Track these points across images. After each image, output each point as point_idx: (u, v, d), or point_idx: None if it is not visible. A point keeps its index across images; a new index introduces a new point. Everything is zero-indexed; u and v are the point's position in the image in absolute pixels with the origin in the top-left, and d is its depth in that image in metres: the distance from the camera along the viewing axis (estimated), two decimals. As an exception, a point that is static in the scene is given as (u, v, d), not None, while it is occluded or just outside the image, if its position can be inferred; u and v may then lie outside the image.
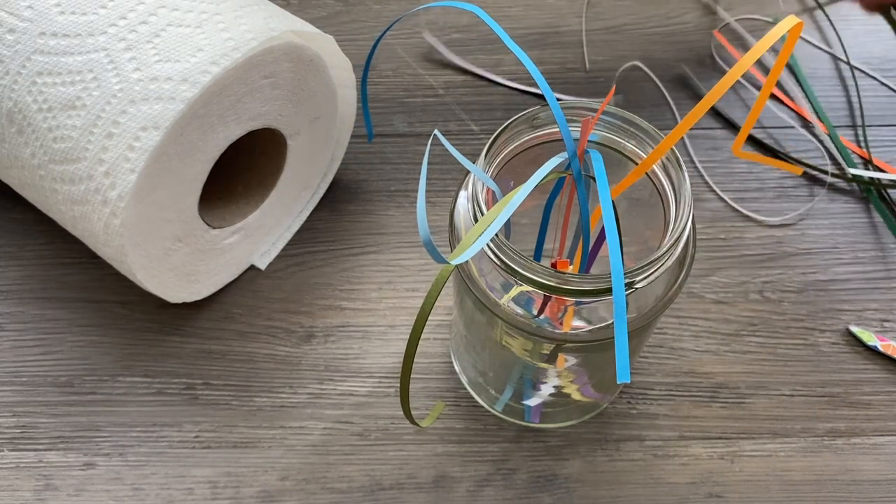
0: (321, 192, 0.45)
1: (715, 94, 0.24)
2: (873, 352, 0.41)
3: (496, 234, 0.26)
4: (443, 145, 0.30)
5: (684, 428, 0.39)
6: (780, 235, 0.44)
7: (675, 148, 0.27)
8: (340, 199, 0.46)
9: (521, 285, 0.27)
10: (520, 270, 0.27)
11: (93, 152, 0.33)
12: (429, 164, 0.31)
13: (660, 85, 0.49)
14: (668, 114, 0.48)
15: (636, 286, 0.27)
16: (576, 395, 0.37)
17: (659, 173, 0.29)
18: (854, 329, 0.41)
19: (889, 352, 0.40)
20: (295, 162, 0.42)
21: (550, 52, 0.51)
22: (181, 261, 0.39)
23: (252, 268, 0.43)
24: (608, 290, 0.27)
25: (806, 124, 0.48)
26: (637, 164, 0.29)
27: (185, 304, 0.41)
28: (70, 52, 0.33)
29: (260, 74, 0.36)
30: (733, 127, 0.48)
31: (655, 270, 0.27)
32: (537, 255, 0.33)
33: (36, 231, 0.44)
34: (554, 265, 0.30)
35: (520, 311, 0.32)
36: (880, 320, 0.42)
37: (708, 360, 0.41)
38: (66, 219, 0.36)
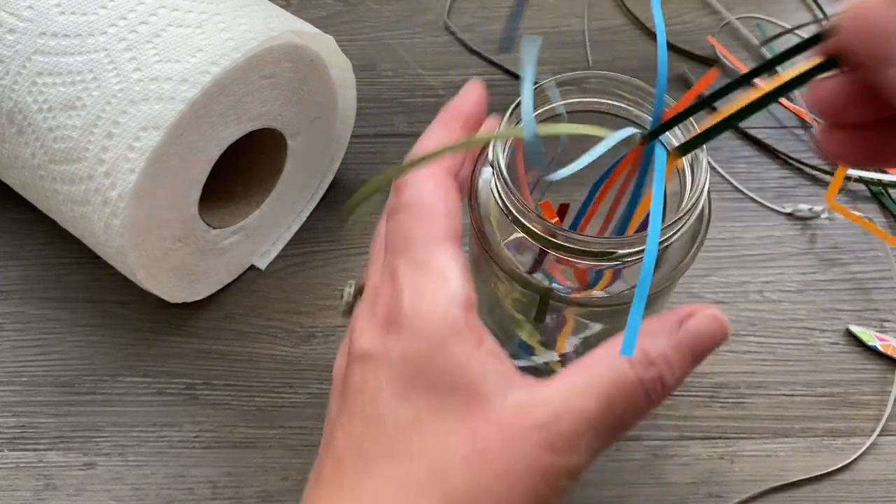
0: (321, 192, 0.45)
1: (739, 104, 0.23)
2: (873, 352, 0.41)
3: (500, 172, 0.26)
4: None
5: (684, 428, 0.39)
6: (780, 235, 0.44)
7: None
8: (340, 199, 0.46)
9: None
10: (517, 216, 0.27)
11: (93, 152, 0.33)
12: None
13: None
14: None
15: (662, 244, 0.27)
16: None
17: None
18: (854, 329, 0.41)
19: (889, 352, 0.40)
20: (295, 162, 0.42)
21: (551, 52, 0.51)
22: (181, 261, 0.39)
23: (252, 268, 0.43)
24: (609, 255, 0.26)
25: (804, 124, 0.48)
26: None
27: (185, 304, 0.41)
28: (70, 53, 0.33)
29: (260, 74, 0.36)
30: (735, 128, 0.48)
31: (677, 231, 0.27)
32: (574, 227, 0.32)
33: (36, 231, 0.44)
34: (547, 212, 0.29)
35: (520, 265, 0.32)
36: (880, 320, 0.42)
37: (707, 360, 0.41)
38: (66, 219, 0.36)
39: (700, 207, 0.28)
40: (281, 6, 0.42)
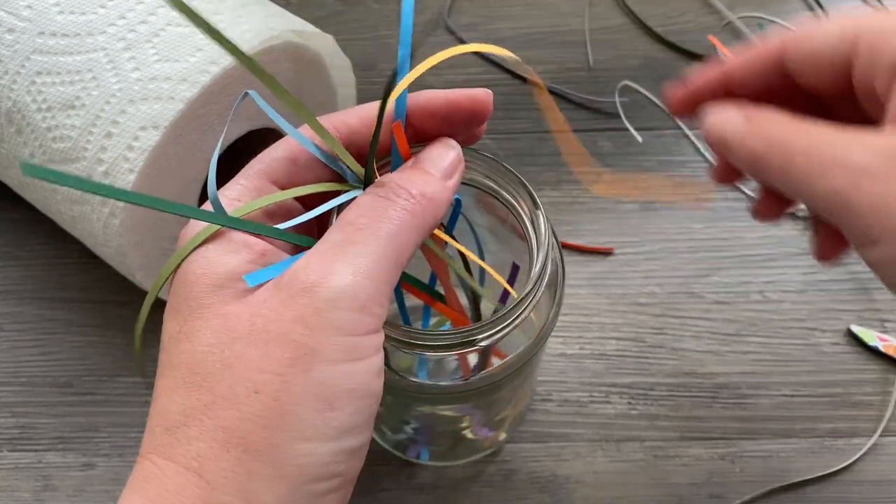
0: (321, 191, 0.45)
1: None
2: (874, 352, 0.41)
3: None
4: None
5: (685, 429, 0.39)
6: (781, 235, 0.44)
7: (527, 184, 0.26)
8: (340, 199, 0.45)
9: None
10: None
11: (92, 152, 0.33)
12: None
13: (660, 85, 0.49)
14: (667, 114, 0.48)
15: (479, 343, 0.25)
16: (469, 435, 0.37)
17: (525, 220, 0.27)
18: (855, 329, 0.41)
19: (890, 352, 0.40)
20: (295, 162, 0.42)
21: (551, 51, 0.50)
22: (181, 261, 0.38)
23: (252, 268, 0.43)
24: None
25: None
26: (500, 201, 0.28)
27: (184, 305, 0.41)
28: (69, 52, 0.33)
29: (259, 74, 0.36)
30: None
31: (503, 328, 0.25)
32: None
33: (35, 231, 0.44)
34: None
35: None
36: (881, 320, 0.42)
37: (709, 361, 0.41)
38: (65, 219, 0.36)
39: (546, 280, 0.26)
40: (281, 5, 0.41)
